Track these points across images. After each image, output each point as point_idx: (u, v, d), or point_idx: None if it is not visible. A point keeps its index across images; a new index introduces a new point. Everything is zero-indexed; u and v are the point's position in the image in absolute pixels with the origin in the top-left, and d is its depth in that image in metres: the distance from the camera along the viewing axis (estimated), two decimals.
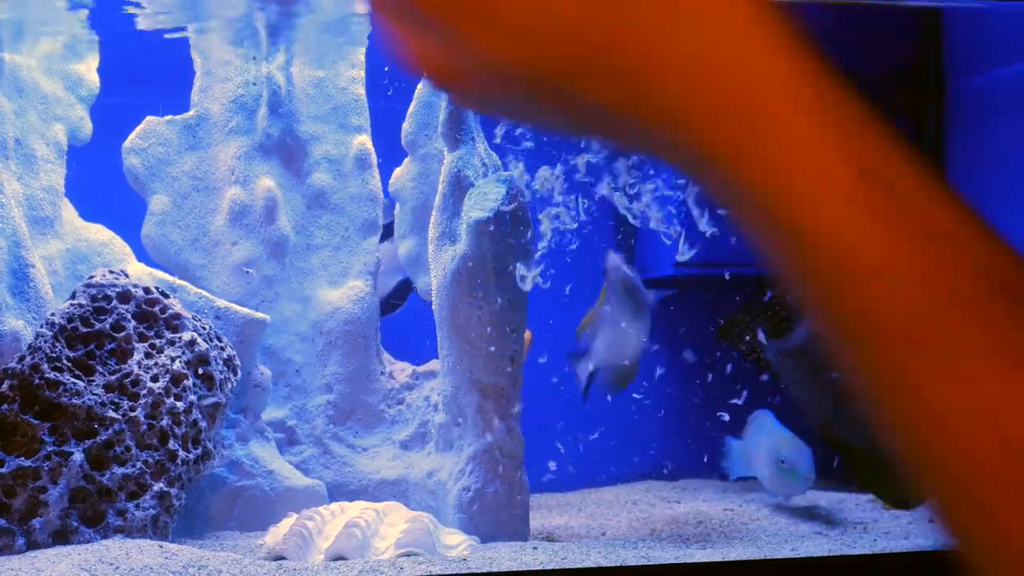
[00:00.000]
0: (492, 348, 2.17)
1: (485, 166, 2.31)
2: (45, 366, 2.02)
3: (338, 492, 2.43)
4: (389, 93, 2.65)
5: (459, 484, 2.22)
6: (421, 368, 2.59)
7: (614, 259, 2.16)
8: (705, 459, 2.97)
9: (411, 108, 2.53)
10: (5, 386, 1.99)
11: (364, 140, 2.60)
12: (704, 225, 1.86)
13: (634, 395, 2.70)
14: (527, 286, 2.11)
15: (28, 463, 1.95)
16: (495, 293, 2.17)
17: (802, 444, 2.41)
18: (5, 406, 1.98)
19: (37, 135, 2.41)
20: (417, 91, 2.53)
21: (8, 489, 1.94)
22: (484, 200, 2.18)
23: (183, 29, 2.50)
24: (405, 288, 2.80)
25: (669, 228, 2.00)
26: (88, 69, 2.52)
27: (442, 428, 2.35)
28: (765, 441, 2.44)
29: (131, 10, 2.38)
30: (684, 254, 1.94)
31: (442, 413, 2.34)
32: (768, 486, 2.50)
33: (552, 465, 2.75)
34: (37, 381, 2.00)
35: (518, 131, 1.91)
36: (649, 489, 2.98)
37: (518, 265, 2.11)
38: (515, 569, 1.77)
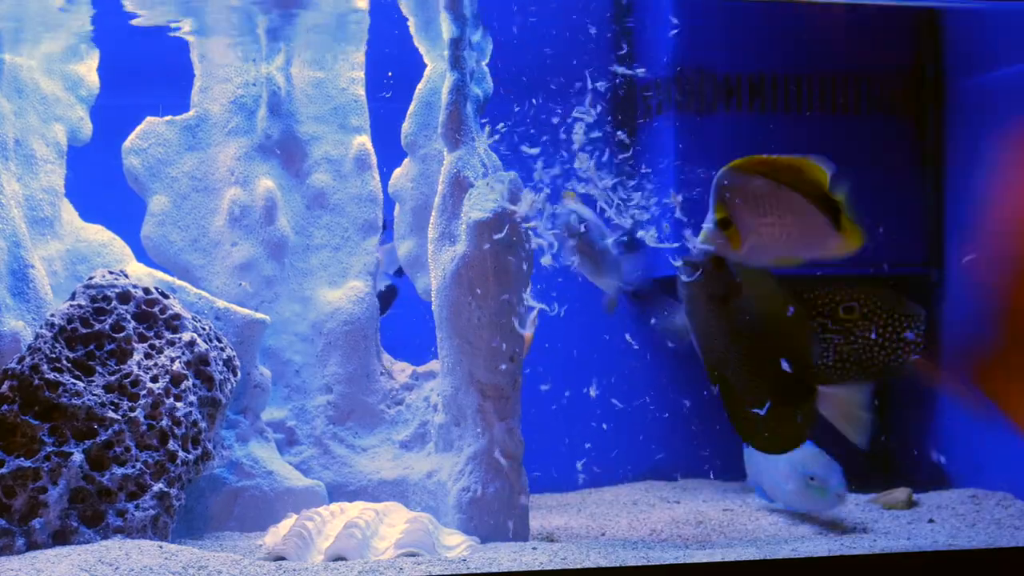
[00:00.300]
0: (492, 349, 2.18)
1: (485, 167, 2.31)
2: (45, 367, 2.02)
3: (338, 492, 2.43)
4: (388, 95, 2.65)
5: (459, 484, 2.22)
6: (421, 368, 2.59)
7: (569, 216, 2.02)
8: (710, 473, 2.97)
9: (411, 108, 2.53)
10: (5, 387, 1.99)
11: (364, 140, 2.60)
12: (696, 244, 1.88)
13: (614, 400, 2.70)
14: (529, 329, 2.12)
15: (28, 463, 1.95)
16: (495, 294, 2.17)
17: (830, 459, 2.30)
18: (5, 407, 1.98)
19: (37, 135, 2.41)
20: (417, 91, 2.53)
21: (8, 489, 1.94)
22: (484, 201, 2.18)
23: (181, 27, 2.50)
24: (391, 294, 2.81)
25: (661, 239, 2.01)
26: (88, 69, 2.52)
27: (442, 428, 2.35)
28: (788, 455, 2.29)
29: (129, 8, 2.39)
30: (688, 276, 1.96)
31: (442, 413, 2.34)
32: (791, 501, 2.39)
33: (580, 465, 2.76)
34: (37, 382, 2.01)
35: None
36: (649, 489, 2.97)
37: (524, 295, 2.12)
38: (515, 569, 1.77)
